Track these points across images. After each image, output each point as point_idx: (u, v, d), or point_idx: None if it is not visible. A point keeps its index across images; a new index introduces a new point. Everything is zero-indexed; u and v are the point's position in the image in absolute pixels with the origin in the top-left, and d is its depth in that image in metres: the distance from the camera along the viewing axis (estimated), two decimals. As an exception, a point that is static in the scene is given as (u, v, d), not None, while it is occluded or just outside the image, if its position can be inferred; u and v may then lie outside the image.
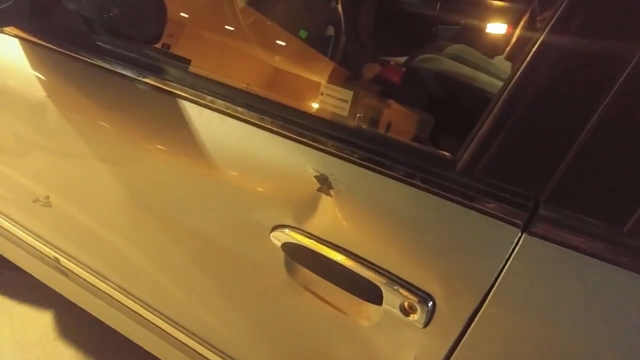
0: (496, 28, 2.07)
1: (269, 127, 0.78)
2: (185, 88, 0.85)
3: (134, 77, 0.89)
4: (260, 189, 0.79)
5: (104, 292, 1.15)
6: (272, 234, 0.79)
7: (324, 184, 0.73)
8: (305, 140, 0.75)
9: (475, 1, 2.13)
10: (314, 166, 0.74)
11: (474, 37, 2.06)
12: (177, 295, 1.02)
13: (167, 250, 0.97)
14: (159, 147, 0.89)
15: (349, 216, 0.72)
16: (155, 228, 0.96)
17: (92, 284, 1.16)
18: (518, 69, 0.59)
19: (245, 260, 0.87)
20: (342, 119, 0.77)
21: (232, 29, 1.23)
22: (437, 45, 1.72)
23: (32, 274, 1.40)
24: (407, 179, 0.68)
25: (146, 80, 0.88)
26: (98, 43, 0.96)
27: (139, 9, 1.09)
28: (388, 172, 0.70)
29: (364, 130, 0.76)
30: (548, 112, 0.57)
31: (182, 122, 0.85)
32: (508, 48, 1.96)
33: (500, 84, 1.30)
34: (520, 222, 0.61)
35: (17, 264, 1.42)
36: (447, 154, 0.70)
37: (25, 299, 1.74)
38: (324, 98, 0.77)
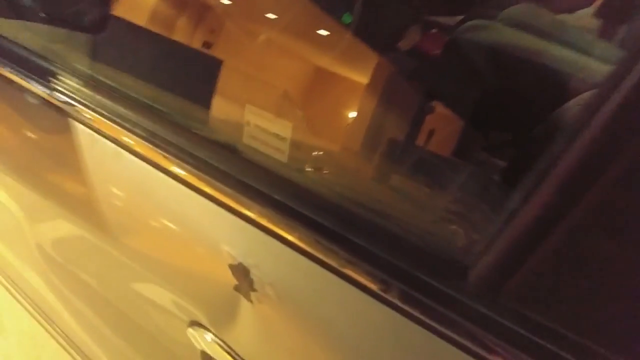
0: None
1: (174, 171, 0.49)
2: (74, 103, 0.58)
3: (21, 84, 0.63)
4: (164, 259, 0.52)
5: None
6: (189, 330, 0.52)
7: (243, 280, 0.44)
8: (220, 199, 0.46)
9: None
10: (232, 247, 0.45)
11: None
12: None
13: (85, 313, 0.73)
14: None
15: (281, 343, 0.43)
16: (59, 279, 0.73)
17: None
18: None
19: (166, 351, 0.61)
20: (280, 168, 0.46)
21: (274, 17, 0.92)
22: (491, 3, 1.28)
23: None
24: (381, 294, 0.38)
25: (32, 88, 0.61)
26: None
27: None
28: (349, 274, 0.39)
29: (313, 191, 0.45)
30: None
31: (72, 149, 0.58)
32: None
33: (592, 64, 0.86)
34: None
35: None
36: (455, 248, 0.39)
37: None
38: (252, 131, 0.46)
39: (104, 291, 0.65)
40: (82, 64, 0.67)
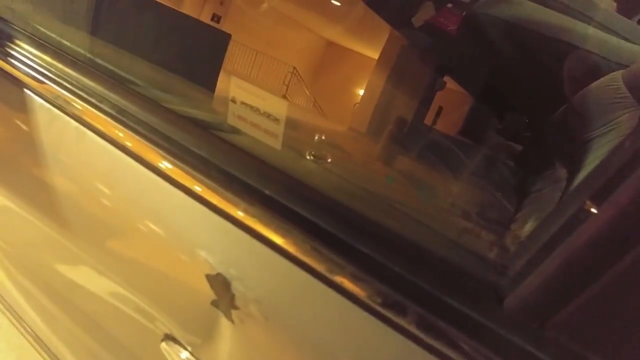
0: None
1: (146, 157, 0.41)
2: (33, 73, 0.49)
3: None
4: (129, 259, 0.44)
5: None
6: (162, 344, 0.45)
7: (223, 295, 0.36)
8: (199, 193, 0.38)
9: None
10: (210, 252, 0.37)
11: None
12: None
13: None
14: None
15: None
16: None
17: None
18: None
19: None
20: (273, 157, 0.38)
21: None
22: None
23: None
24: (394, 320, 0.30)
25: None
26: None
27: None
28: (356, 293, 0.32)
29: (312, 185, 0.37)
30: None
31: (28, 126, 0.50)
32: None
33: (620, 44, 0.76)
34: None
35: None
36: (487, 263, 0.32)
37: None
38: (238, 110, 0.38)
39: (64, 290, 0.57)
40: (48, 28, 0.58)
